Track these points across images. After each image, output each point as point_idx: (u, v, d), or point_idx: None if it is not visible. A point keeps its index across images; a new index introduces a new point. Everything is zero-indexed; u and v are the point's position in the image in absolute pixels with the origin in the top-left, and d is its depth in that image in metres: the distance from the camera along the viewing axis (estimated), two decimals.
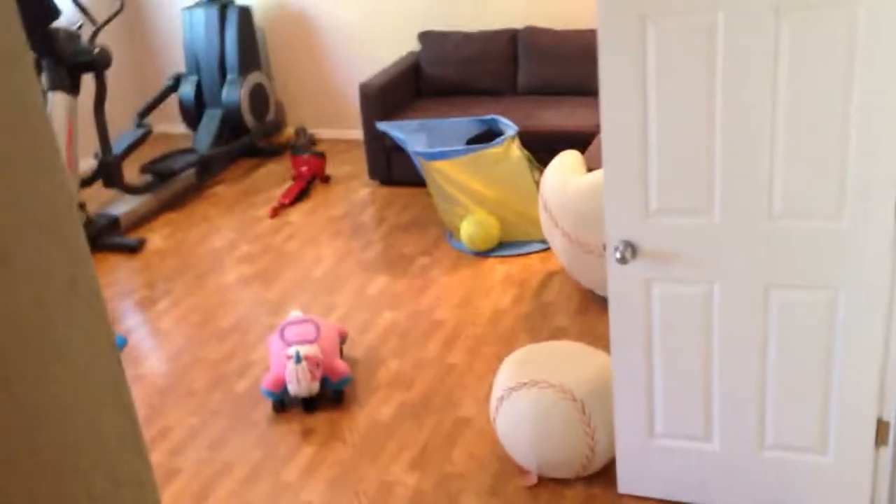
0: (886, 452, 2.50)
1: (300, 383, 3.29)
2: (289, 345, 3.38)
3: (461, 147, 4.45)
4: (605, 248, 2.53)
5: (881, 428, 2.47)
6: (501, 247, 4.52)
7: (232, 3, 6.00)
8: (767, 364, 2.50)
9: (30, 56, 0.83)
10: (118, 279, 4.68)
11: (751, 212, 2.35)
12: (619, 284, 2.56)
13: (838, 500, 2.58)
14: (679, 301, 2.51)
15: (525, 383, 2.87)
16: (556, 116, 5.06)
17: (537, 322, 3.86)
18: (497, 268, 4.38)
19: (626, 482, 2.80)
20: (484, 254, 4.50)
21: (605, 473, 2.90)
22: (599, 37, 2.31)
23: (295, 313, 3.65)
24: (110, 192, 5.59)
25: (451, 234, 4.72)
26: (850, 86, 2.15)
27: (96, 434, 0.94)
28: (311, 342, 3.39)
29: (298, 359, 3.27)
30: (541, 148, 4.96)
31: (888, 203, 2.23)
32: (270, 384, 3.38)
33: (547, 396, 2.81)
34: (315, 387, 3.33)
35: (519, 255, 4.46)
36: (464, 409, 3.34)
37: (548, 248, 4.46)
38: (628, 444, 2.75)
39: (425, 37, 5.76)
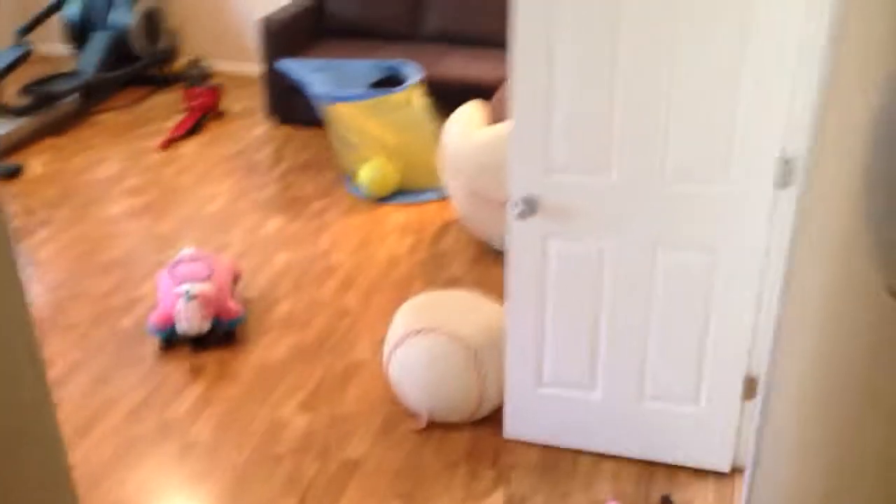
0: (753, 405, 2.69)
1: (190, 322, 3.24)
2: (180, 282, 3.31)
3: (363, 91, 4.41)
4: (506, 201, 2.58)
5: (750, 383, 2.66)
6: (399, 194, 4.54)
7: None
8: (650, 319, 2.64)
9: None
10: None
11: (644, 173, 2.45)
12: (518, 239, 2.62)
13: (706, 447, 2.77)
14: (573, 257, 2.61)
15: (420, 330, 2.92)
16: (460, 65, 5.06)
17: (432, 270, 3.92)
18: (393, 215, 4.39)
19: (513, 427, 2.91)
20: (381, 200, 4.50)
21: (493, 419, 3.01)
22: None
23: (186, 250, 3.57)
24: None
25: (349, 177, 4.69)
26: (742, 56, 2.26)
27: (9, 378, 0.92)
28: (203, 280, 3.33)
29: (189, 296, 3.21)
30: (442, 97, 4.97)
31: (768, 171, 2.37)
32: (158, 321, 3.31)
33: (440, 344, 2.87)
34: (206, 325, 3.28)
35: (416, 204, 4.49)
36: (356, 353, 3.37)
37: (445, 198, 4.51)
38: (516, 392, 2.85)
39: None
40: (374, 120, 4.41)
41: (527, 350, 2.77)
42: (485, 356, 2.89)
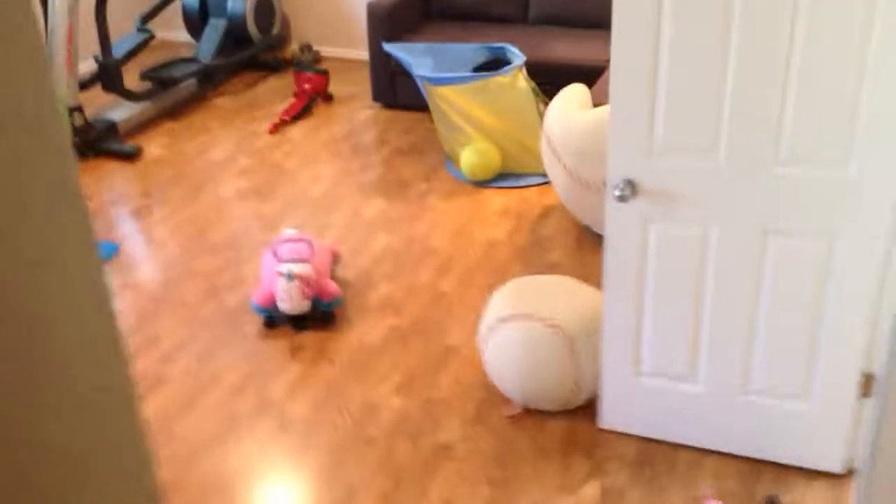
0: (869, 404, 2.52)
1: (291, 301, 3.29)
2: (281, 262, 3.37)
3: (467, 73, 4.37)
4: (605, 184, 2.50)
5: (867, 380, 2.49)
6: (500, 178, 4.49)
7: None
8: (758, 310, 2.50)
9: None
10: (113, 185, 4.64)
11: (756, 155, 2.31)
12: (617, 222, 2.53)
13: (817, 447, 2.62)
14: (676, 242, 2.50)
15: (515, 315, 2.87)
16: (566, 48, 4.96)
17: (532, 255, 3.85)
18: (495, 198, 4.35)
19: (609, 418, 2.83)
20: (482, 184, 4.46)
21: (589, 408, 2.93)
22: None
23: (289, 231, 3.63)
24: (109, 97, 5.49)
25: (451, 161, 4.67)
26: (868, 29, 2.09)
27: (81, 339, 0.93)
28: (303, 261, 3.38)
29: (290, 277, 3.27)
30: (548, 80, 4.88)
31: (894, 152, 2.20)
32: (261, 300, 3.38)
33: (536, 329, 2.82)
34: (306, 305, 3.33)
35: (518, 188, 4.43)
36: (452, 337, 3.35)
37: (547, 182, 4.43)
38: (613, 381, 2.76)
39: None
40: (476, 103, 4.37)
41: (625, 338, 2.68)
42: (582, 344, 2.81)
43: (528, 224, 4.10)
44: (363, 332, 3.41)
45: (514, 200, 4.32)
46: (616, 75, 2.36)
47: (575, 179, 3.71)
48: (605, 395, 2.80)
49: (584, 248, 3.86)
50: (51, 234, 0.88)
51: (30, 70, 0.83)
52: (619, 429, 2.84)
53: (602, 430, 2.86)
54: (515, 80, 4.36)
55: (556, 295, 2.95)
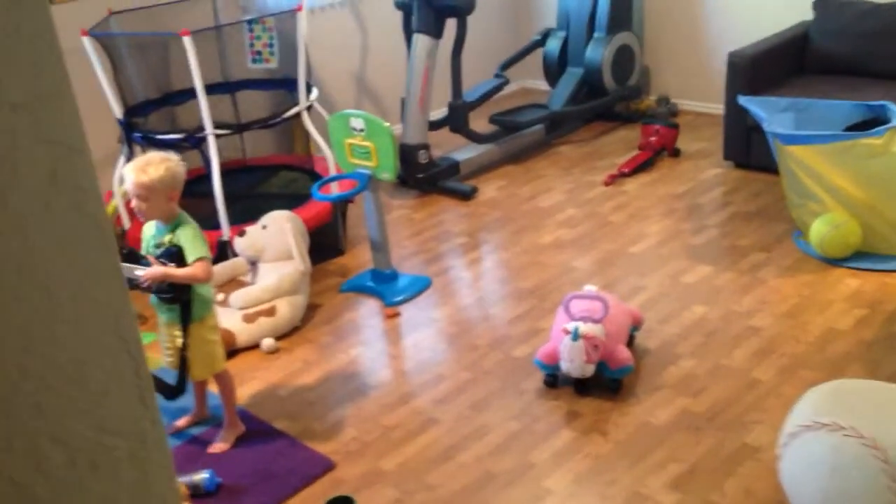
0: None
1: (573, 362, 3.01)
2: (571, 319, 3.11)
3: (827, 133, 3.76)
4: None
5: None
6: (857, 257, 3.77)
7: None
8: None
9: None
10: (443, 222, 4.72)
11: None
12: None
13: None
14: None
15: (826, 424, 2.30)
16: None
17: (879, 356, 3.14)
18: (846, 280, 3.66)
19: None
20: (834, 261, 3.78)
21: None
22: None
23: (589, 287, 3.35)
24: (459, 138, 5.65)
25: (799, 232, 4.05)
26: None
27: (78, 370, 0.78)
28: (595, 321, 3.08)
29: (576, 336, 2.99)
30: None
31: None
32: (545, 356, 3.15)
33: (850, 448, 2.22)
34: (589, 369, 3.02)
35: (878, 271, 3.68)
36: (754, 436, 2.82)
37: None
38: None
39: (822, 4, 4.98)
40: (838, 167, 3.73)
41: None
42: None
43: (883, 317, 3.37)
44: (649, 409, 3.00)
45: (871, 286, 3.59)
46: None
47: None
48: None
49: None
50: (41, 238, 0.74)
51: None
52: None
53: None
54: (890, 144, 3.65)
55: (890, 409, 2.31)
